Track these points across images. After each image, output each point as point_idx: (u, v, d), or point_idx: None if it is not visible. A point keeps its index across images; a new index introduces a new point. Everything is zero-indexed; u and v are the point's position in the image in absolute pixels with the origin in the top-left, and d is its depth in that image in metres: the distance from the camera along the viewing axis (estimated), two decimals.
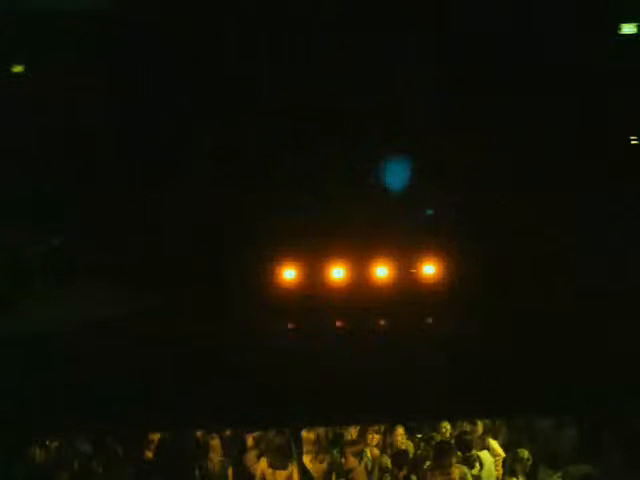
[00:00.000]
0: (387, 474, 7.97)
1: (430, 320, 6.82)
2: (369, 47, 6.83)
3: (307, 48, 6.88)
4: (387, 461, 8.11)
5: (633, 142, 7.40)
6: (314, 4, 6.71)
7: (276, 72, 6.87)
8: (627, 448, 8.21)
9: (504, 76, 6.89)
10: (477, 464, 8.14)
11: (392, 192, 6.99)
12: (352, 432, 8.58)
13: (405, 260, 6.85)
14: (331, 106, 6.80)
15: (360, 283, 6.78)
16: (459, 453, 8.02)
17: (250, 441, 8.59)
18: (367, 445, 8.32)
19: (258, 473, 7.93)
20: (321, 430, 8.18)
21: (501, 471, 8.32)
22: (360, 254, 6.79)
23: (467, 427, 8.55)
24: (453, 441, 8.24)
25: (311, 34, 6.80)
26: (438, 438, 8.37)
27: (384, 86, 6.89)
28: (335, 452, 8.36)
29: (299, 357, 6.52)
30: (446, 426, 8.64)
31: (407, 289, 6.81)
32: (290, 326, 6.75)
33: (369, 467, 8.06)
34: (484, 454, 8.29)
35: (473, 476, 8.02)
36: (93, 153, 6.81)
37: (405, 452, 8.16)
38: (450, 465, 7.62)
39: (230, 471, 8.28)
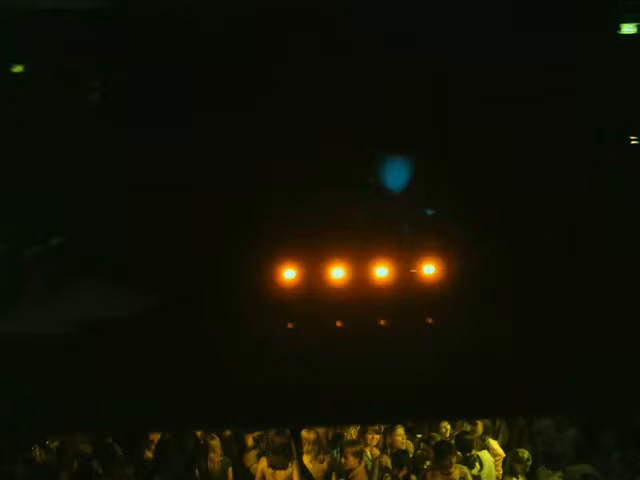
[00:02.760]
0: (387, 474, 7.96)
1: (430, 320, 6.82)
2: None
3: None
4: (387, 461, 8.11)
5: (633, 142, 7.40)
6: None
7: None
8: (627, 448, 8.22)
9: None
10: (477, 464, 8.15)
11: (392, 192, 6.99)
12: (352, 432, 8.58)
13: (405, 260, 6.84)
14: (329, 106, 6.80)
15: (360, 283, 6.77)
16: (459, 453, 8.02)
17: (250, 441, 8.60)
18: (367, 445, 8.31)
19: (258, 473, 7.93)
20: (321, 430, 8.18)
21: (501, 471, 8.32)
22: (360, 254, 6.78)
23: (467, 427, 8.55)
24: (453, 441, 8.24)
25: None
26: (438, 438, 8.37)
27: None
28: (335, 452, 8.36)
29: (299, 357, 6.52)
30: (446, 426, 8.64)
31: (407, 289, 6.81)
32: (290, 326, 6.74)
33: (369, 467, 8.07)
34: (484, 454, 8.29)
35: (473, 476, 8.02)
36: (92, 153, 6.81)
37: (405, 452, 8.15)
38: (450, 465, 7.63)
39: (230, 471, 8.28)
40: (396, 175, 6.98)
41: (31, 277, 6.70)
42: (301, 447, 7.91)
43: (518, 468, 8.05)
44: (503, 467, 8.34)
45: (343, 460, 7.99)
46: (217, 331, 6.49)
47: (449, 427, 8.65)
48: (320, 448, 8.00)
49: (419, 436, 8.72)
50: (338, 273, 6.77)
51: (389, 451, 8.29)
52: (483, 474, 8.15)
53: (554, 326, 6.60)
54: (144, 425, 7.32)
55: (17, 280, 6.65)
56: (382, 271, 6.80)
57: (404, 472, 7.84)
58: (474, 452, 8.19)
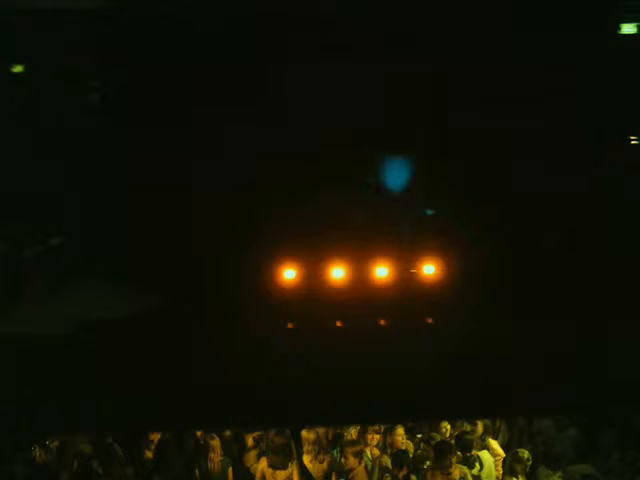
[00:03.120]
0: (387, 474, 7.96)
1: (430, 320, 6.82)
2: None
3: None
4: (387, 461, 8.11)
5: (633, 142, 7.40)
6: None
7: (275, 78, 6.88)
8: (627, 448, 8.22)
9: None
10: (477, 464, 8.15)
11: (392, 192, 6.99)
12: (352, 432, 8.58)
13: (405, 260, 6.84)
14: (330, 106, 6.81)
15: (360, 283, 6.77)
16: (459, 453, 8.02)
17: (250, 441, 8.59)
18: (367, 445, 8.31)
19: (258, 473, 7.93)
20: (321, 430, 8.18)
21: (501, 471, 8.32)
22: (360, 254, 6.78)
23: (467, 427, 8.55)
24: (453, 441, 8.24)
25: None
26: (438, 438, 8.37)
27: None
28: (335, 452, 8.36)
29: (299, 357, 6.52)
30: (446, 426, 8.64)
31: (407, 289, 6.81)
32: (290, 326, 6.74)
33: (369, 467, 8.06)
34: (484, 454, 8.29)
35: (473, 476, 8.02)
36: (92, 153, 6.81)
37: (405, 452, 8.15)
38: (450, 465, 7.63)
39: (230, 471, 8.28)
40: (396, 175, 6.99)
41: (31, 277, 6.70)
42: (301, 447, 7.91)
43: (518, 468, 8.05)
44: (503, 467, 8.34)
45: (343, 460, 7.99)
46: (217, 331, 6.48)
47: (449, 427, 8.65)
48: (320, 448, 8.00)
49: (419, 436, 8.72)
50: (338, 273, 6.77)
51: (389, 451, 8.28)
52: (483, 474, 8.15)
53: (554, 326, 6.60)
54: (144, 425, 7.32)
55: (17, 280, 6.65)
56: (382, 271, 6.80)
57: (404, 472, 7.84)
58: (474, 452, 8.19)
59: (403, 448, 8.23)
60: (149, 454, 8.41)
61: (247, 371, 6.44)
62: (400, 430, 8.31)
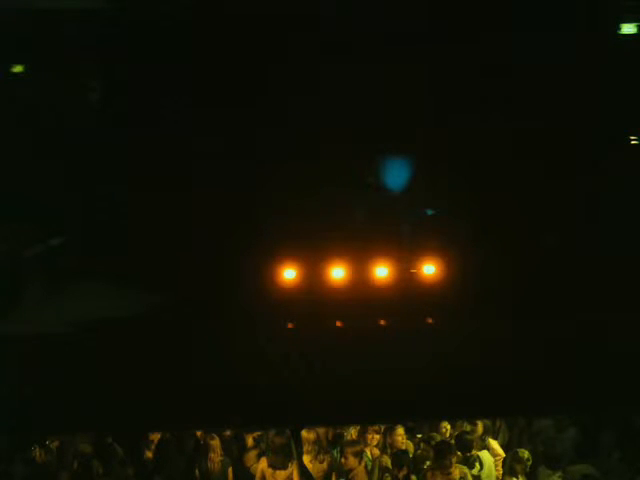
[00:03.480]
0: (387, 474, 7.96)
1: (430, 320, 6.82)
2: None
3: None
4: (387, 461, 8.11)
5: (633, 142, 7.40)
6: None
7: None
8: (627, 448, 8.22)
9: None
10: (477, 464, 8.15)
11: (392, 192, 6.99)
12: (352, 432, 8.58)
13: (405, 260, 6.84)
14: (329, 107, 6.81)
15: (360, 283, 6.77)
16: (459, 453, 8.02)
17: (250, 441, 8.60)
18: (367, 445, 8.31)
19: (258, 473, 7.93)
20: (321, 430, 8.18)
21: (501, 471, 8.32)
22: (360, 254, 6.78)
23: (467, 427, 8.55)
24: (453, 441, 8.24)
25: None
26: (438, 438, 8.37)
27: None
28: (335, 452, 8.36)
29: (299, 357, 6.52)
30: (446, 426, 8.64)
31: (407, 289, 6.81)
32: (290, 326, 6.74)
33: (369, 467, 8.06)
34: (484, 454, 8.28)
35: (473, 476, 8.02)
36: (92, 152, 6.81)
37: (405, 452, 8.15)
38: (450, 465, 7.63)
39: (230, 471, 8.28)
40: (396, 175, 6.99)
41: (31, 277, 6.70)
42: (301, 447, 7.91)
43: (518, 468, 8.04)
44: (503, 467, 8.34)
45: (343, 460, 7.99)
46: (217, 331, 6.48)
47: (449, 427, 8.65)
48: (320, 448, 8.01)
49: (419, 436, 8.72)
50: (338, 273, 6.77)
51: (389, 451, 8.28)
52: (483, 474, 8.15)
53: (554, 326, 6.60)
54: (144, 425, 7.32)
55: (17, 280, 6.65)
56: (382, 271, 6.80)
57: (404, 472, 7.84)
58: (474, 452, 8.19)
59: (403, 448, 8.24)
60: (149, 454, 8.42)
61: (247, 371, 6.45)
62: (400, 430, 8.31)
